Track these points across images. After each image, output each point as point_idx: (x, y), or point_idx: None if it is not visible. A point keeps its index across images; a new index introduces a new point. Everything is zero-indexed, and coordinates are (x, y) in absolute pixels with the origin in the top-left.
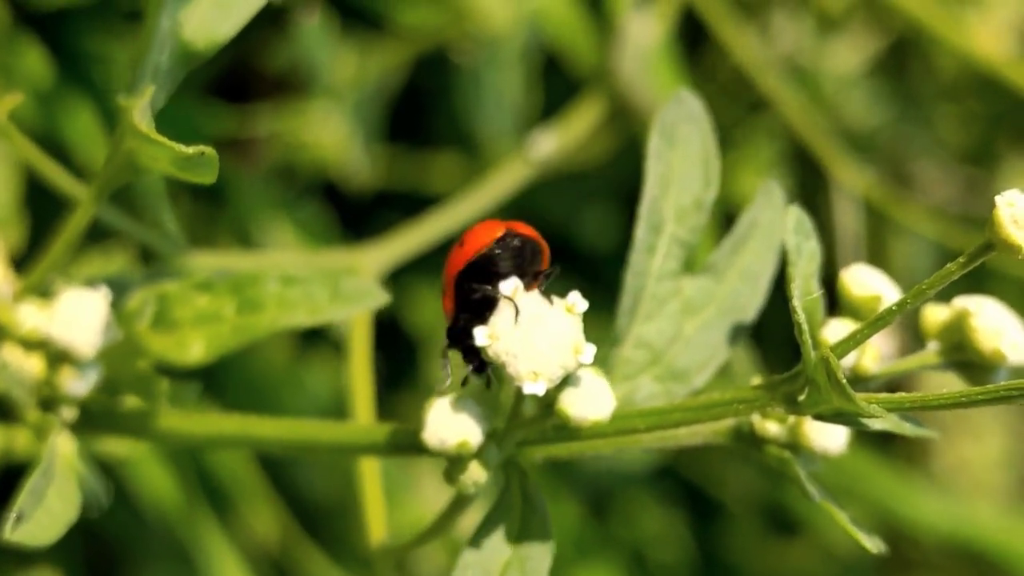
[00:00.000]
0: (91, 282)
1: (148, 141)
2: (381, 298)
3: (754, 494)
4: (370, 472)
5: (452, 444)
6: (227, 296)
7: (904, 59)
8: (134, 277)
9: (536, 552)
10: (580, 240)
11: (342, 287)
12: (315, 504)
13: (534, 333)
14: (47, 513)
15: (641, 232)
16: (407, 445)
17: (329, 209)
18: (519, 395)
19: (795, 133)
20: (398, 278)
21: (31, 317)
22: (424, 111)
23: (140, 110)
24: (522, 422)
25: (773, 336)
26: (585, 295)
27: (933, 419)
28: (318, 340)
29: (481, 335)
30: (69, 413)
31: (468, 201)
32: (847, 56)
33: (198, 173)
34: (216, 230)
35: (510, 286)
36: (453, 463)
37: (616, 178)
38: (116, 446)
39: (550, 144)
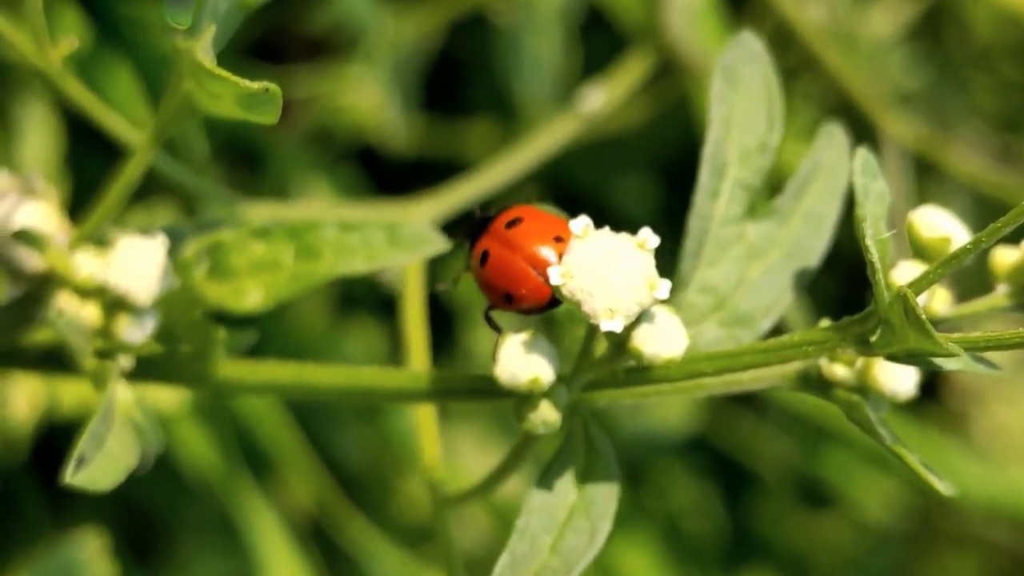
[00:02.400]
0: (147, 230)
1: (212, 77)
2: (440, 244)
3: (787, 465)
4: (427, 421)
5: (524, 380)
6: (284, 243)
7: (939, 24)
8: (189, 226)
9: (602, 496)
10: (615, 207)
11: (400, 232)
12: (351, 470)
13: (608, 270)
14: (108, 458)
15: (704, 175)
16: (466, 390)
17: (366, 175)
18: (589, 335)
19: (840, 89)
20: None
21: (87, 264)
22: (460, 78)
23: (203, 48)
24: (592, 362)
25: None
26: None
27: (967, 387)
28: (355, 305)
29: (555, 274)
30: (126, 362)
31: (513, 157)
32: (882, 22)
33: (261, 111)
34: (253, 195)
35: (580, 224)
36: (523, 401)
37: (651, 145)
38: (165, 402)
39: (599, 99)
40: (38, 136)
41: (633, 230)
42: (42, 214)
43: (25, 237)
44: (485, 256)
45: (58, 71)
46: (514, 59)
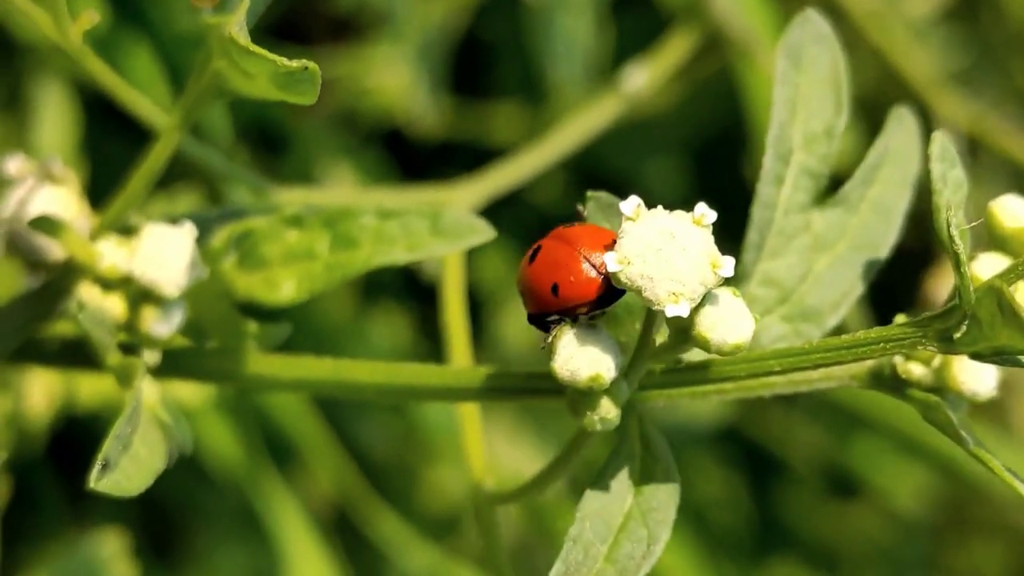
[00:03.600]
0: (173, 218)
1: (247, 55)
2: (486, 232)
3: (816, 455)
4: (470, 418)
5: (584, 377)
6: (319, 231)
7: (976, 7)
8: (217, 214)
9: (660, 501)
10: (646, 191)
11: (443, 221)
12: (376, 461)
13: (667, 252)
14: (133, 462)
15: (768, 161)
16: (518, 388)
17: (391, 158)
18: (648, 323)
19: (889, 70)
20: None
21: (110, 254)
22: (488, 60)
23: (236, 24)
24: (652, 352)
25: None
26: None
27: (1003, 376)
28: (381, 291)
29: (612, 261)
30: (151, 357)
31: (553, 139)
32: (919, 3)
33: (299, 91)
34: (276, 179)
35: (632, 205)
36: (582, 397)
37: (684, 127)
38: (188, 395)
39: (642, 78)
40: (55, 119)
41: None
42: (61, 200)
43: (43, 224)
44: (536, 252)
45: (78, 48)
46: (546, 40)
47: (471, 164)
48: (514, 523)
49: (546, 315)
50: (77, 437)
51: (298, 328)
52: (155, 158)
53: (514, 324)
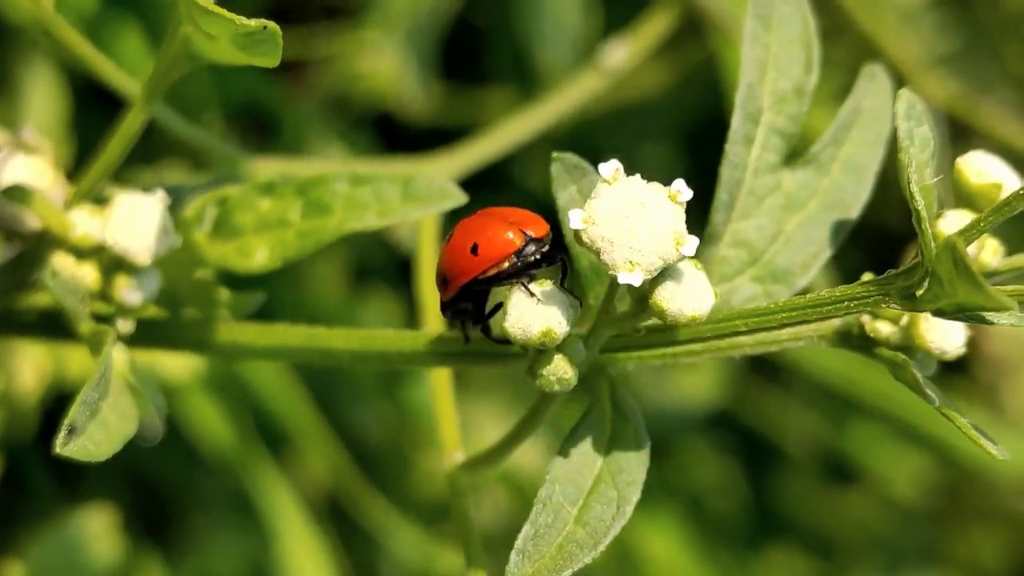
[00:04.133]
0: (146, 187)
1: (206, 14)
2: (458, 197)
3: (812, 441)
4: (442, 385)
5: (536, 333)
6: (292, 199)
7: None
8: (191, 184)
9: (630, 463)
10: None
11: (415, 186)
12: (368, 446)
13: (633, 220)
14: (101, 427)
15: (737, 121)
16: (480, 352)
17: (382, 142)
18: (611, 289)
19: (873, 52)
20: None
21: (83, 222)
22: (479, 45)
23: None
24: (613, 318)
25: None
26: None
27: (999, 359)
28: (371, 276)
29: (576, 218)
30: (125, 326)
31: (532, 114)
32: None
33: (261, 52)
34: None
35: (610, 168)
36: (536, 356)
37: (673, 111)
38: (174, 371)
39: (621, 54)
40: (42, 98)
41: None
42: (35, 169)
43: (15, 193)
44: (451, 233)
45: (51, 17)
46: (535, 23)
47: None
48: (502, 507)
49: (470, 285)
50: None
51: (289, 313)
52: (128, 126)
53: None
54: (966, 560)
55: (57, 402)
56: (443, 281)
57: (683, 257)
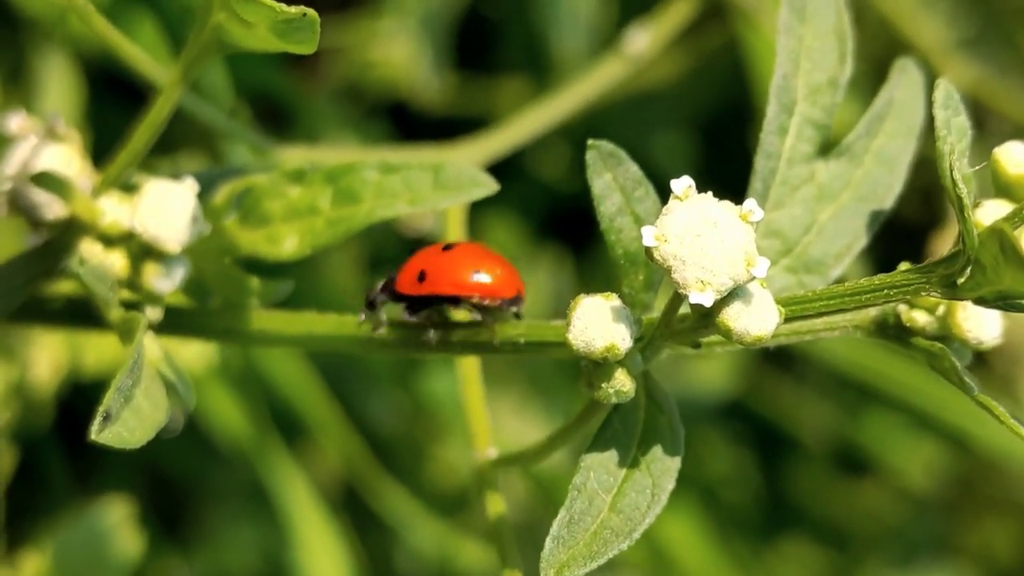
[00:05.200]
0: (175, 174)
1: (245, 1)
2: (489, 185)
3: (826, 431)
4: (471, 377)
5: (599, 347)
6: (321, 186)
7: None
8: (219, 171)
9: (664, 452)
10: (651, 165)
11: (446, 174)
12: (383, 436)
13: (706, 239)
14: (135, 414)
15: (772, 111)
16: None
17: (396, 131)
18: (674, 302)
19: (894, 39)
20: None
21: (112, 210)
22: (493, 37)
23: None
24: (673, 332)
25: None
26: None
27: (1015, 350)
28: (386, 266)
29: (649, 236)
30: (154, 314)
31: (554, 101)
32: None
33: (298, 39)
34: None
35: (683, 185)
36: (596, 369)
37: (690, 100)
38: (190, 361)
39: (644, 40)
40: (58, 88)
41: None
42: (64, 157)
43: (45, 180)
44: (454, 243)
45: (83, 5)
46: (551, 11)
47: (474, 138)
48: (521, 500)
49: (446, 298)
50: (83, 408)
51: (305, 301)
52: (156, 113)
53: (528, 294)
54: (979, 551)
55: (72, 396)
56: (421, 276)
57: (753, 278)
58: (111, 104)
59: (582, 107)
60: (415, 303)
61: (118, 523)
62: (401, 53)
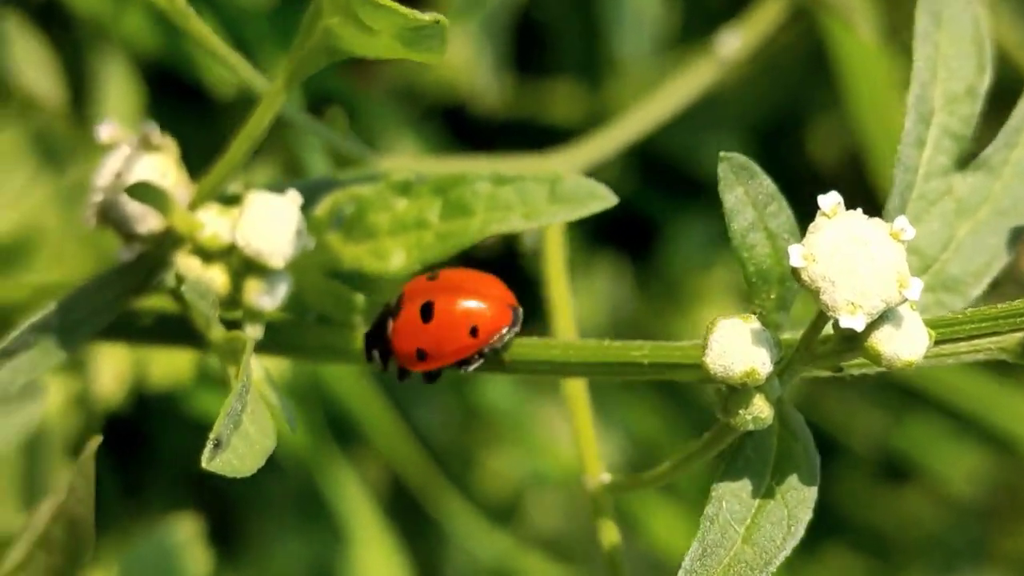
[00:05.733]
0: (276, 186)
1: (373, 8)
2: (608, 199)
3: (869, 438)
4: (579, 399)
5: (739, 372)
6: (430, 198)
7: None
8: (322, 182)
9: (799, 482)
10: (704, 170)
11: (562, 187)
12: (434, 446)
13: (856, 259)
14: (244, 440)
15: (910, 123)
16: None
17: (451, 134)
18: (817, 324)
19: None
20: None
21: (212, 223)
22: (548, 39)
23: None
24: (814, 356)
25: None
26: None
27: None
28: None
29: (796, 255)
30: (255, 331)
31: (654, 104)
32: None
33: (426, 47)
34: (338, 151)
35: (831, 201)
36: (732, 394)
37: (742, 106)
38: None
39: (736, 43)
40: (117, 92)
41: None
42: (160, 168)
43: (143, 192)
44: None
45: (182, 10)
46: (615, 12)
47: (530, 142)
48: (557, 505)
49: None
50: (136, 419)
51: None
52: (256, 122)
53: (584, 304)
54: (1019, 558)
55: (137, 406)
56: (420, 355)
57: (905, 300)
58: (168, 106)
59: (682, 105)
60: (428, 375)
61: (186, 541)
62: (459, 54)
